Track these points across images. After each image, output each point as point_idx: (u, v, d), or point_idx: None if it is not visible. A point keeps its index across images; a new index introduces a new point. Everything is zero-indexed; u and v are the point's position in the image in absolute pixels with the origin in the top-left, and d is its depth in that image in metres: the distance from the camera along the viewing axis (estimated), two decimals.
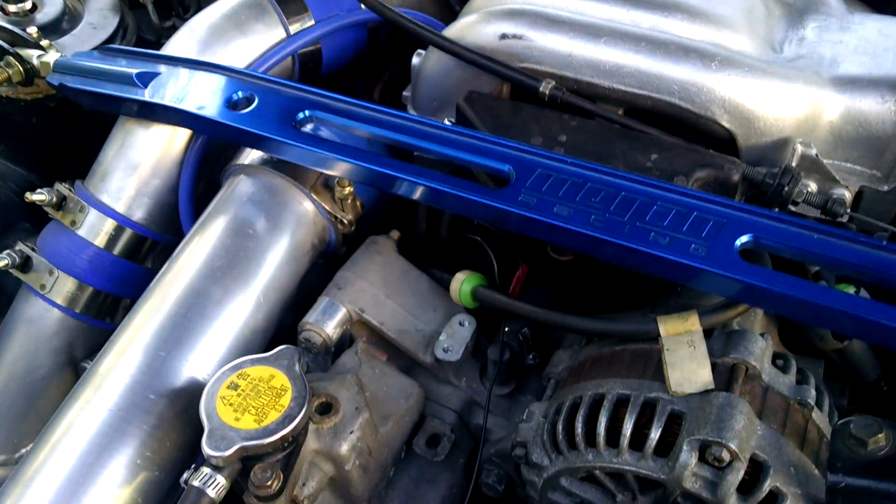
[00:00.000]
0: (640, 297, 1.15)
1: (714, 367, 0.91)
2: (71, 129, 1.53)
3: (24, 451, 1.37)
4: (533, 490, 1.03)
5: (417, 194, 1.02)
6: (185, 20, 1.80)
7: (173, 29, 1.82)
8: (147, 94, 1.16)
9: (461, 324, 1.15)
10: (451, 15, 1.59)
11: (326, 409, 0.95)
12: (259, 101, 1.12)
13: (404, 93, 1.40)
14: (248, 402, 0.87)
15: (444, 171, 1.03)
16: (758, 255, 0.93)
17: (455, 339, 1.13)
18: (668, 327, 0.94)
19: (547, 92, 1.15)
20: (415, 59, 1.34)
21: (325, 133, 1.14)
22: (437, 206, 1.01)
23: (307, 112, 1.10)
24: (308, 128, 1.11)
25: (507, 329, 1.15)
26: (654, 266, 0.90)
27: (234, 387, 0.88)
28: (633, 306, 1.12)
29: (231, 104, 1.13)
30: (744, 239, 0.89)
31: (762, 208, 0.92)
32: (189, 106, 1.13)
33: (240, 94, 1.14)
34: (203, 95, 1.15)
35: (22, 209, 1.55)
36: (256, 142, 1.10)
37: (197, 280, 1.08)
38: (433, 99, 1.32)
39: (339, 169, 1.07)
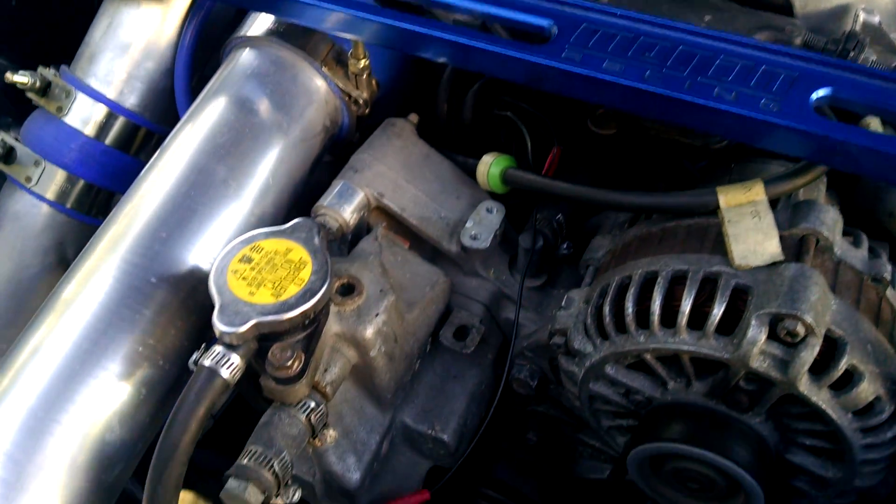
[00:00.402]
0: (681, 182, 1.05)
1: (781, 239, 0.81)
2: (54, 13, 1.39)
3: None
4: (571, 383, 0.95)
5: (446, 54, 0.91)
6: None
7: None
8: None
9: (489, 210, 1.05)
10: None
11: (349, 290, 0.86)
12: None
13: None
14: (264, 275, 0.77)
15: None
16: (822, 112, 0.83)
17: (483, 226, 1.03)
18: (728, 198, 0.85)
19: None
20: None
21: None
22: (469, 68, 0.90)
23: None
24: None
25: (539, 216, 1.05)
26: (720, 124, 0.80)
27: (247, 260, 0.79)
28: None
29: None
30: (820, 93, 0.78)
31: (840, 59, 0.81)
32: None
33: None
34: None
35: (3, 101, 1.43)
36: (265, 2, 0.98)
37: (199, 157, 0.97)
38: None
39: (358, 30, 0.95)
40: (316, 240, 0.81)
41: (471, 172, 1.09)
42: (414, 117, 1.14)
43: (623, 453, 0.90)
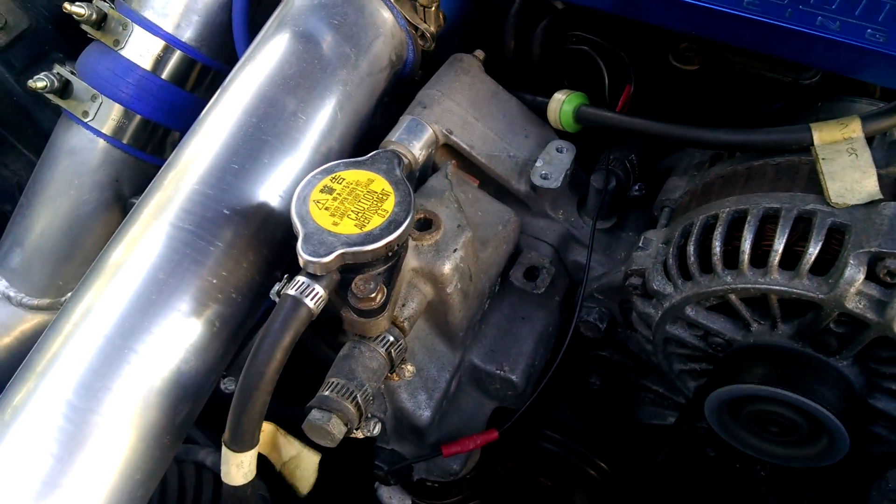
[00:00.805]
0: (763, 121, 1.01)
1: (878, 178, 0.78)
2: None
3: (69, 295, 1.28)
4: (645, 326, 0.93)
5: None
6: None
7: None
8: None
9: (559, 150, 1.02)
10: None
11: (427, 224, 0.84)
12: None
13: None
14: (346, 206, 0.75)
15: None
16: None
17: (553, 165, 1.01)
18: (823, 134, 0.81)
19: None
20: None
21: None
22: None
23: None
24: None
25: (611, 156, 1.03)
26: (822, 54, 0.76)
27: (329, 190, 0.77)
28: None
29: None
30: None
31: None
32: None
33: None
34: None
35: (55, 37, 1.41)
36: None
37: (268, 89, 0.95)
38: None
39: None
40: (397, 171, 0.78)
41: (539, 111, 1.07)
42: (480, 53, 1.10)
43: (698, 397, 0.89)
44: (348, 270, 0.75)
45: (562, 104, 1.02)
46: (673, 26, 0.82)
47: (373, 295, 0.73)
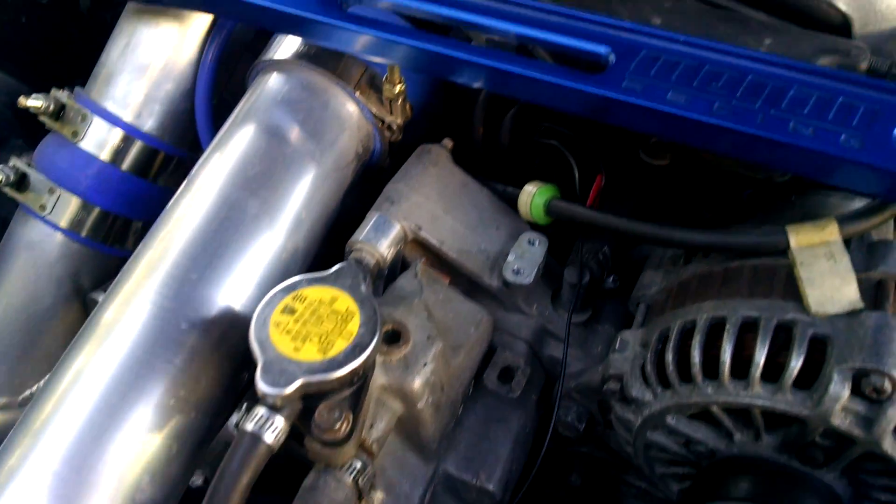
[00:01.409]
0: (733, 213, 1.00)
1: (858, 282, 0.76)
2: (67, 31, 1.34)
3: (27, 392, 1.22)
4: (625, 430, 0.90)
5: (492, 82, 0.85)
6: None
7: None
8: None
9: (531, 242, 1.00)
10: None
11: (395, 337, 0.80)
12: None
13: None
14: (309, 328, 0.72)
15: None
16: None
17: (525, 259, 0.98)
18: (800, 238, 0.79)
19: None
20: None
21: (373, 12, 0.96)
22: (517, 97, 0.85)
23: None
24: (355, 9, 0.93)
25: (584, 247, 1.00)
26: (795, 161, 0.74)
27: (290, 311, 0.73)
28: (730, 222, 0.97)
29: None
30: None
31: None
32: None
33: None
34: None
35: (14, 124, 1.37)
36: (295, 26, 0.92)
37: (229, 190, 0.92)
38: None
39: (393, 54, 0.89)
40: (363, 287, 0.75)
41: (510, 201, 1.04)
42: (449, 142, 1.08)
43: None
44: (312, 397, 0.71)
45: (532, 197, 0.99)
46: (640, 130, 0.80)
47: (337, 426, 0.69)
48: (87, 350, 0.84)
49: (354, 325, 0.72)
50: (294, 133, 0.97)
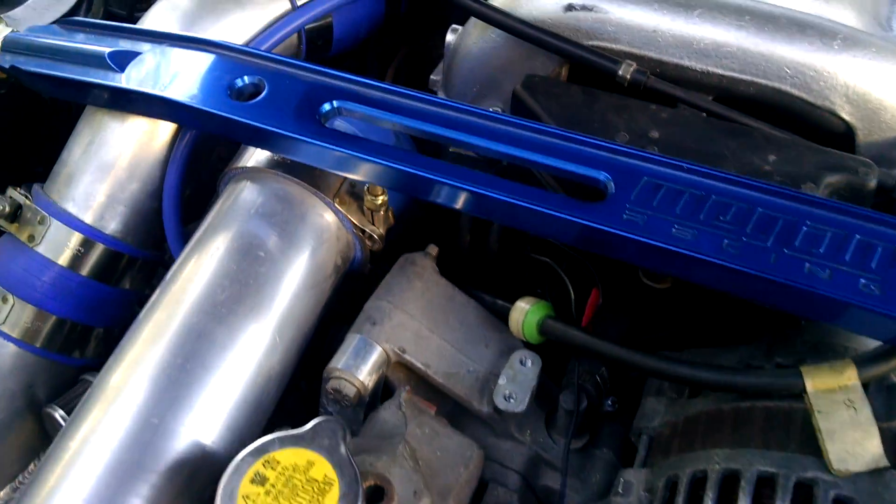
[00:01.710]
0: (737, 333, 0.94)
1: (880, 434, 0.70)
2: (27, 121, 1.26)
3: None
4: None
5: (483, 210, 0.79)
6: None
7: (149, 2, 1.56)
8: (124, 80, 0.91)
9: (523, 363, 0.93)
10: None
11: (378, 495, 0.72)
12: (270, 89, 0.88)
13: (432, 76, 1.17)
14: (281, 502, 0.64)
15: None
16: None
17: (517, 383, 0.91)
18: (816, 381, 0.73)
19: (628, 76, 0.93)
20: (450, 36, 1.11)
21: (350, 127, 0.91)
22: (510, 224, 0.79)
23: (334, 103, 0.86)
24: (334, 122, 0.87)
25: (580, 369, 0.94)
26: (810, 307, 0.69)
27: (261, 480, 0.65)
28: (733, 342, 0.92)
29: (234, 92, 0.89)
30: None
31: None
32: (180, 94, 0.88)
33: (245, 79, 0.89)
34: (197, 81, 0.90)
35: None
36: (268, 140, 0.86)
37: (195, 318, 0.84)
38: (474, 83, 1.09)
39: (378, 175, 0.84)
40: (342, 448, 0.68)
41: (500, 314, 0.98)
42: (433, 249, 1.02)
43: None
44: None
45: (525, 315, 0.93)
46: (642, 265, 0.74)
47: None
48: (43, 492, 0.75)
49: (333, 498, 0.64)
50: (268, 250, 0.90)
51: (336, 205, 0.94)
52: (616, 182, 0.77)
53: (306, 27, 1.16)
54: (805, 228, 0.72)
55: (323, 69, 0.89)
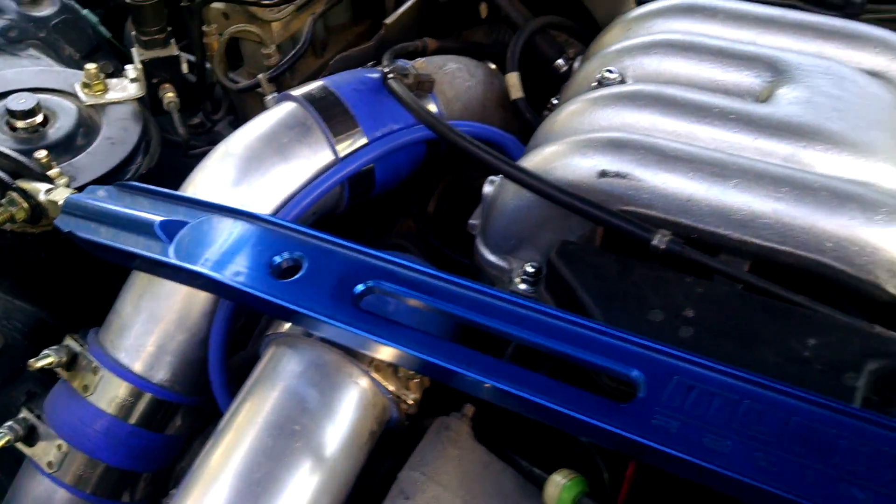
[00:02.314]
0: None
1: None
2: (85, 265, 1.33)
3: None
4: None
5: (513, 405, 0.79)
6: (212, 120, 1.62)
7: (201, 127, 1.64)
8: (171, 253, 0.95)
9: None
10: (518, 122, 1.39)
11: None
12: (309, 267, 0.91)
13: (471, 220, 1.19)
14: None
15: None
16: None
17: None
18: None
19: (662, 246, 0.93)
20: (486, 188, 1.13)
21: (384, 307, 0.92)
22: (542, 421, 0.79)
23: (370, 283, 0.88)
24: (367, 302, 0.89)
25: None
26: None
27: None
28: None
29: (274, 269, 0.91)
30: None
31: None
32: (223, 272, 0.91)
33: (285, 255, 0.92)
34: (240, 255, 0.94)
35: (30, 352, 1.35)
36: (305, 321, 0.88)
37: (231, 499, 0.86)
38: (509, 237, 1.10)
39: (402, 360, 0.85)
40: None
41: (536, 482, 0.97)
42: (469, 409, 1.02)
43: None
44: None
45: (561, 490, 0.91)
46: (673, 473, 0.73)
47: None
48: None
49: None
50: (304, 423, 0.91)
51: (372, 373, 0.96)
52: (648, 381, 0.76)
53: (350, 176, 1.19)
54: (844, 442, 0.69)
55: (361, 248, 0.91)
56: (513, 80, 1.32)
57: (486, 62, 1.40)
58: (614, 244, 1.00)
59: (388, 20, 1.49)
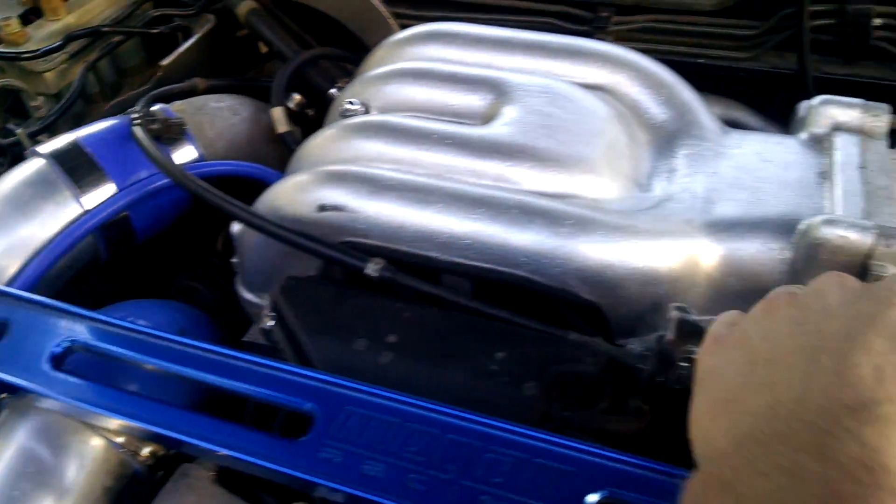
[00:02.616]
0: None
1: None
2: None
3: None
4: None
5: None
6: None
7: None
8: None
9: None
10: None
11: None
12: (15, 330, 0.90)
13: (233, 259, 1.20)
14: None
15: None
16: None
17: None
18: None
19: (374, 274, 0.96)
20: (234, 227, 1.14)
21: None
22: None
23: (69, 342, 0.88)
24: (71, 363, 0.88)
25: None
26: None
27: None
28: None
29: None
30: (593, 498, 0.69)
31: (626, 455, 0.71)
32: None
33: None
34: None
35: None
36: (10, 390, 0.87)
37: None
38: (258, 274, 1.11)
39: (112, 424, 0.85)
40: None
41: None
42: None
43: None
44: None
45: None
46: None
47: None
48: None
49: None
50: (27, 491, 0.90)
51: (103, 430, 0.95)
52: (321, 411, 0.78)
53: (100, 226, 1.18)
54: (489, 455, 0.72)
55: (64, 307, 0.91)
56: (277, 114, 1.34)
57: (254, 99, 1.42)
58: (354, 274, 1.02)
59: (165, 61, 1.50)
